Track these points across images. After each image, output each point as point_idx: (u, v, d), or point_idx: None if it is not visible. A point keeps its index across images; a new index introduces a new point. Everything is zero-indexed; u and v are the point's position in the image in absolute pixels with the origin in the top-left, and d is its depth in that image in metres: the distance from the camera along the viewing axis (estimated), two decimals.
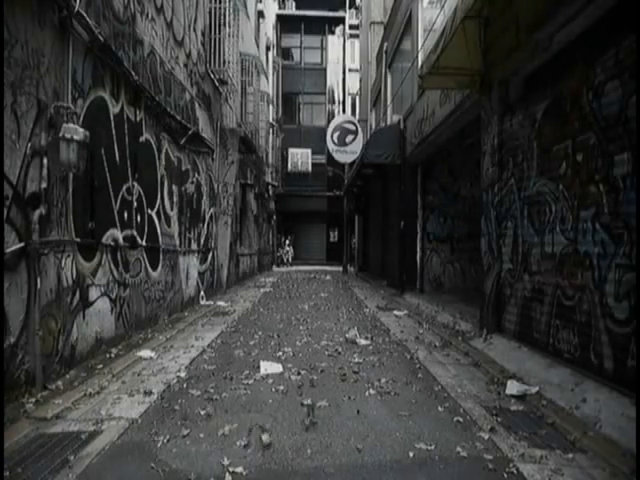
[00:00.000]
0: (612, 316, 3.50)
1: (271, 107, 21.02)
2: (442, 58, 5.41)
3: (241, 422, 3.18)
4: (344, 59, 29.30)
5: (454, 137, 8.46)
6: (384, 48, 14.59)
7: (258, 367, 4.51)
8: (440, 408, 3.50)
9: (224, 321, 7.26)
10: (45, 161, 3.69)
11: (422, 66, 6.22)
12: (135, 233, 5.81)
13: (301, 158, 27.55)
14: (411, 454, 2.73)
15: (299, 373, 4.37)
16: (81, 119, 4.34)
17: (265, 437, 2.90)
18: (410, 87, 10.76)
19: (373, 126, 17.93)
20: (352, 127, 19.07)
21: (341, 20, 28.89)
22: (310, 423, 3.16)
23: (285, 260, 26.34)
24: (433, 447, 2.82)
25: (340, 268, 22.51)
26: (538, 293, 4.69)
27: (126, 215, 5.54)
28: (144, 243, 6.13)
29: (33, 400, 3.43)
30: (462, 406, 3.53)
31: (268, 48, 21.45)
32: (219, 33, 9.54)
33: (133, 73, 5.43)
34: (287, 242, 26.77)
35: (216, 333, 6.27)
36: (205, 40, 9.20)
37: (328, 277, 18.04)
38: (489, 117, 5.80)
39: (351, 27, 28.41)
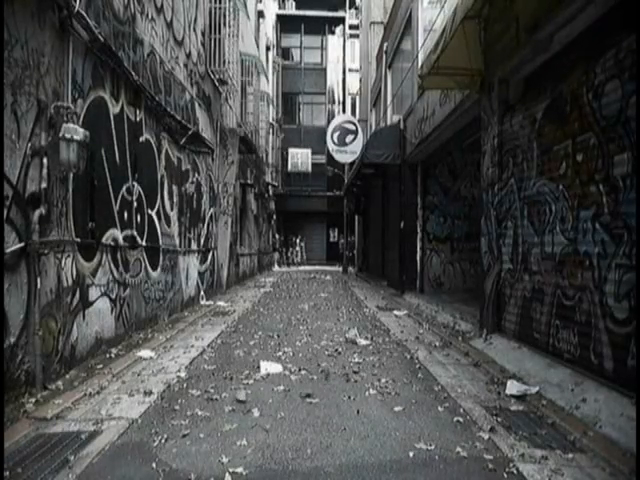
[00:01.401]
0: (612, 316, 3.49)
1: (271, 107, 21.01)
2: (442, 58, 5.41)
3: (241, 422, 3.18)
4: (344, 59, 29.30)
5: (454, 137, 8.45)
6: (384, 48, 14.58)
7: (258, 367, 4.51)
8: (440, 408, 3.50)
9: (224, 321, 7.26)
10: (45, 161, 3.69)
11: (422, 66, 6.22)
12: (135, 233, 5.81)
13: (301, 158, 27.54)
14: (411, 454, 2.73)
15: (299, 373, 4.38)
16: (81, 119, 4.34)
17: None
18: (410, 87, 10.76)
19: (373, 126, 17.92)
20: (352, 127, 19.08)
21: (341, 20, 28.91)
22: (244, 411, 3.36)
23: (294, 260, 25.91)
24: (433, 447, 2.82)
25: (340, 268, 22.51)
26: (538, 293, 4.68)
27: (126, 215, 5.54)
28: (144, 243, 6.13)
29: (33, 400, 3.42)
30: (462, 406, 3.53)
31: (268, 48, 21.44)
32: (219, 33, 9.54)
33: (133, 73, 5.43)
34: (297, 241, 26.46)
35: (216, 333, 6.27)
36: (205, 40, 9.19)
37: (328, 277, 18.03)
38: (489, 117, 5.80)
39: (351, 27, 28.40)
